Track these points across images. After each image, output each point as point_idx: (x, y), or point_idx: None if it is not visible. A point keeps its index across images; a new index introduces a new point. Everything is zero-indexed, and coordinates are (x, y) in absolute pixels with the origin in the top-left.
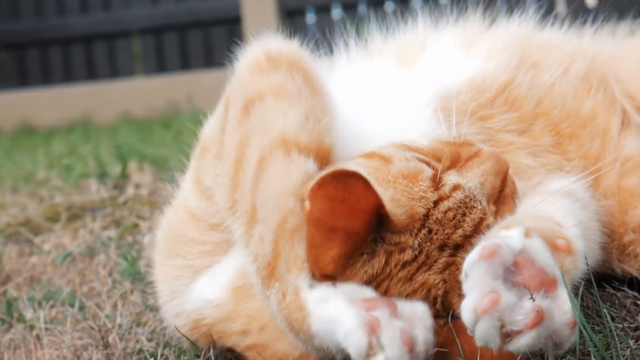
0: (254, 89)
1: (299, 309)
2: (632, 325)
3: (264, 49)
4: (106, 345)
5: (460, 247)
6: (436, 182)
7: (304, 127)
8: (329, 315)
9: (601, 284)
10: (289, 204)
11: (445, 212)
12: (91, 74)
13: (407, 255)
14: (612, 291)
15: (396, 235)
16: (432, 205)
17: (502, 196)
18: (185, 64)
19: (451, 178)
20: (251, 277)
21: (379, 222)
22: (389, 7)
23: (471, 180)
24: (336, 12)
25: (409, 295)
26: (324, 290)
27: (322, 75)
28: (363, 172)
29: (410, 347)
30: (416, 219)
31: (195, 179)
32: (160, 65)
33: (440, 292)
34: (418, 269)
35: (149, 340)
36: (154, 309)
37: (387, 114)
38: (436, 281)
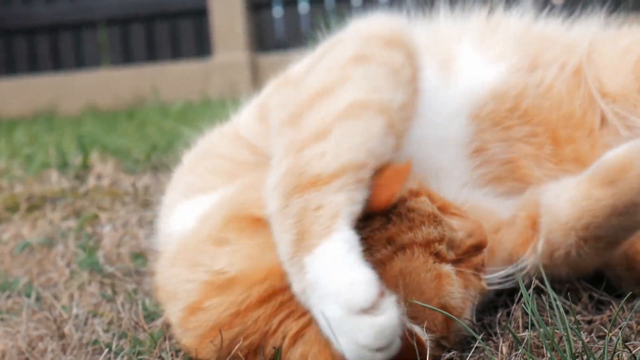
0: (373, 53)
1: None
2: (586, 319)
3: (396, 27)
4: (62, 336)
5: (401, 250)
6: (413, 193)
7: (400, 112)
8: None
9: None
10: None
11: (408, 210)
12: (56, 64)
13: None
14: (568, 284)
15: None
16: (398, 200)
17: (467, 258)
18: (152, 55)
19: (428, 202)
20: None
21: None
22: (356, 2)
23: (445, 218)
24: (303, 6)
25: None
26: None
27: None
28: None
29: None
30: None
31: (262, 103)
32: (126, 56)
33: None
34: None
35: (105, 331)
36: (111, 300)
37: (427, 120)
38: None
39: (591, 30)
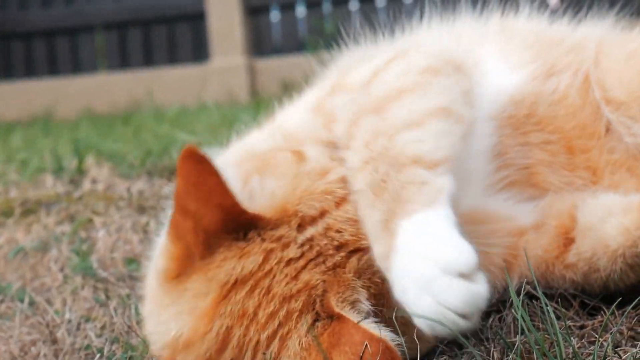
0: (446, 70)
1: None
2: (577, 324)
3: (458, 54)
4: (54, 341)
5: (359, 251)
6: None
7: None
8: None
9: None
10: None
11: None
12: (53, 68)
13: (293, 251)
14: (561, 290)
15: (274, 231)
16: (336, 201)
17: None
18: (149, 59)
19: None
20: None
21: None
22: (353, 6)
23: None
24: (300, 10)
25: (294, 297)
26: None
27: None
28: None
29: None
30: (290, 213)
31: (316, 104)
32: (123, 61)
33: (319, 293)
34: (305, 266)
35: (98, 336)
36: (104, 304)
37: None
38: (317, 282)
39: (599, 31)
